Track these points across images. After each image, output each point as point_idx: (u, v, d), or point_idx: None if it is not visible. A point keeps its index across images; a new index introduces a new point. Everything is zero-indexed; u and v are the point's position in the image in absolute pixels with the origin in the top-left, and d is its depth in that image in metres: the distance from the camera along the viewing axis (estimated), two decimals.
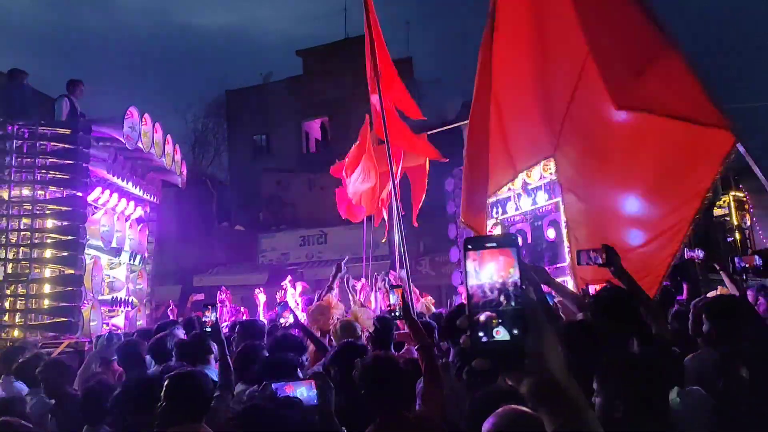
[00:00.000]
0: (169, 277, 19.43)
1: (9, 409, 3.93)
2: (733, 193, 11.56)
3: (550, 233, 11.01)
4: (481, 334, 0.98)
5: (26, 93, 10.67)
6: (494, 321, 0.98)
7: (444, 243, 12.34)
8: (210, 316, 4.53)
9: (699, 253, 6.16)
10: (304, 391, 3.01)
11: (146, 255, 12.65)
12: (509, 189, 11.84)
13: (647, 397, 2.36)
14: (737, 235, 11.06)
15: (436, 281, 14.71)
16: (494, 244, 1.02)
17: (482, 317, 0.99)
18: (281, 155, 28.68)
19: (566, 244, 10.51)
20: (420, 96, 29.35)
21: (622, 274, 4.32)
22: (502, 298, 0.99)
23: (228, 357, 4.27)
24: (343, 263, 8.43)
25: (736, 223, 11.20)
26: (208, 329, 4.54)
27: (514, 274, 1.00)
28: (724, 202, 11.37)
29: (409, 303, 4.13)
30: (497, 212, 12.44)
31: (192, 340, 5.16)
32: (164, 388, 3.21)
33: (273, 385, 3.09)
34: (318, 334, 6.20)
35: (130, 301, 11.82)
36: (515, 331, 0.97)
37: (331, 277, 8.06)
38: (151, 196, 12.47)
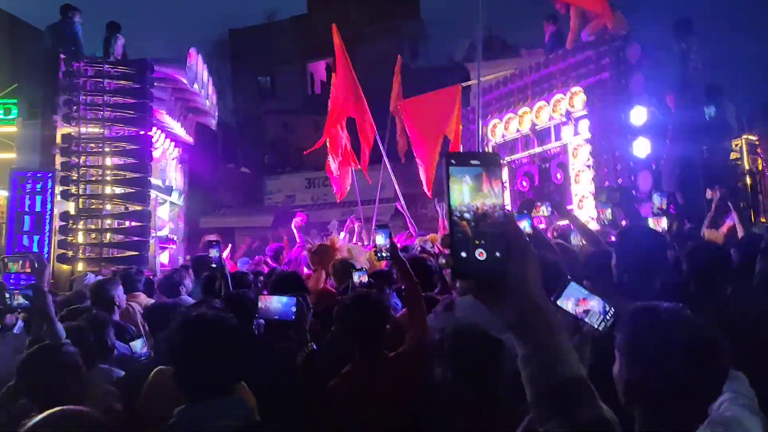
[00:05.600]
0: None
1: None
2: (745, 136, 11.38)
3: (558, 175, 10.94)
4: (462, 254, 0.95)
5: (77, 30, 10.57)
6: (476, 242, 0.95)
7: None
8: (214, 254, 4.62)
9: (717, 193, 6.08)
10: (283, 303, 3.19)
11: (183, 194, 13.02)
12: (518, 131, 11.73)
13: None
14: (747, 180, 10.92)
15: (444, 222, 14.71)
16: (478, 162, 0.99)
17: (463, 237, 0.96)
18: (286, 97, 28.33)
19: (573, 186, 10.48)
20: (426, 36, 28.94)
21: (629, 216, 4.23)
22: (485, 218, 0.96)
23: (231, 292, 4.36)
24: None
25: (747, 167, 11.05)
26: (214, 265, 4.63)
27: (498, 195, 0.98)
28: (736, 145, 11.20)
29: (396, 243, 4.13)
30: (505, 154, 12.34)
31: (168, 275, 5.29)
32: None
33: (258, 297, 3.31)
34: (323, 276, 6.22)
35: (172, 238, 12.16)
36: (497, 254, 0.95)
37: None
38: (189, 137, 12.68)
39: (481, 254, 0.95)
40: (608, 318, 2.17)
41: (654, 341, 1.70)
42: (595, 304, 2.22)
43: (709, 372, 1.66)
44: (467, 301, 3.69)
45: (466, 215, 0.96)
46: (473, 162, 0.99)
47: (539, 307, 0.98)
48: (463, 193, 0.97)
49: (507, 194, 12.06)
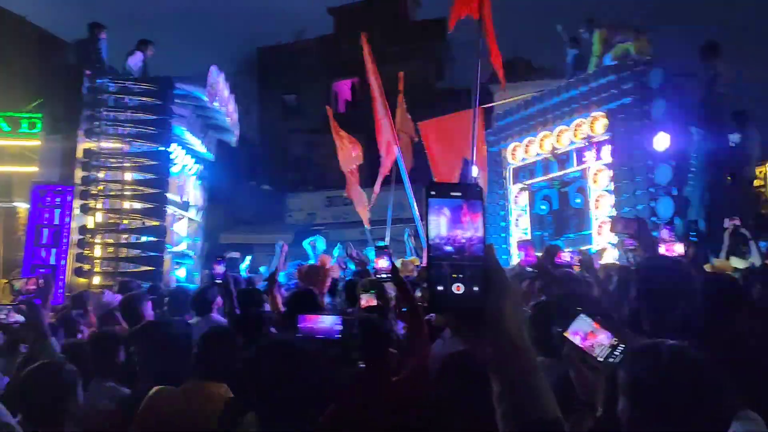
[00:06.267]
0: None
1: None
2: None
3: (577, 200, 10.81)
4: (440, 288, 0.91)
5: (103, 47, 10.78)
6: (454, 275, 0.92)
7: None
8: (219, 270, 4.60)
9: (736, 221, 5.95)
10: (328, 322, 3.14)
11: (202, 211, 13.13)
12: (537, 154, 11.64)
13: None
14: None
15: None
16: (459, 193, 0.96)
17: (441, 271, 0.92)
18: (310, 115, 28.50)
19: (593, 210, 10.34)
20: (453, 58, 28.98)
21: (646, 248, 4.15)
22: (464, 252, 0.93)
23: (235, 308, 4.32)
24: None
25: None
26: (219, 281, 4.60)
27: (479, 228, 0.94)
28: (760, 172, 11.00)
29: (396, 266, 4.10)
30: (525, 177, 12.25)
31: (201, 292, 5.25)
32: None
33: (298, 316, 3.21)
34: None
35: (189, 254, 12.24)
36: (475, 288, 0.92)
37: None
38: (209, 154, 12.83)
39: (458, 288, 0.92)
40: (616, 354, 2.12)
41: (654, 381, 1.69)
42: (603, 338, 2.16)
43: (711, 413, 1.64)
44: None
45: (445, 248, 0.93)
46: (454, 194, 0.96)
47: (516, 345, 0.95)
48: (443, 225, 0.95)
49: (526, 218, 11.95)
